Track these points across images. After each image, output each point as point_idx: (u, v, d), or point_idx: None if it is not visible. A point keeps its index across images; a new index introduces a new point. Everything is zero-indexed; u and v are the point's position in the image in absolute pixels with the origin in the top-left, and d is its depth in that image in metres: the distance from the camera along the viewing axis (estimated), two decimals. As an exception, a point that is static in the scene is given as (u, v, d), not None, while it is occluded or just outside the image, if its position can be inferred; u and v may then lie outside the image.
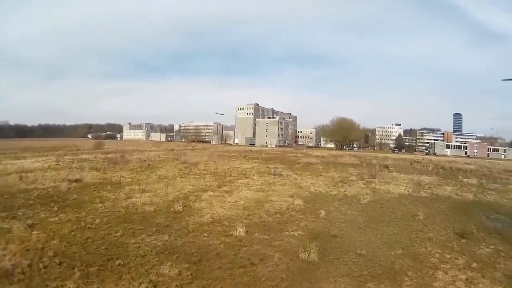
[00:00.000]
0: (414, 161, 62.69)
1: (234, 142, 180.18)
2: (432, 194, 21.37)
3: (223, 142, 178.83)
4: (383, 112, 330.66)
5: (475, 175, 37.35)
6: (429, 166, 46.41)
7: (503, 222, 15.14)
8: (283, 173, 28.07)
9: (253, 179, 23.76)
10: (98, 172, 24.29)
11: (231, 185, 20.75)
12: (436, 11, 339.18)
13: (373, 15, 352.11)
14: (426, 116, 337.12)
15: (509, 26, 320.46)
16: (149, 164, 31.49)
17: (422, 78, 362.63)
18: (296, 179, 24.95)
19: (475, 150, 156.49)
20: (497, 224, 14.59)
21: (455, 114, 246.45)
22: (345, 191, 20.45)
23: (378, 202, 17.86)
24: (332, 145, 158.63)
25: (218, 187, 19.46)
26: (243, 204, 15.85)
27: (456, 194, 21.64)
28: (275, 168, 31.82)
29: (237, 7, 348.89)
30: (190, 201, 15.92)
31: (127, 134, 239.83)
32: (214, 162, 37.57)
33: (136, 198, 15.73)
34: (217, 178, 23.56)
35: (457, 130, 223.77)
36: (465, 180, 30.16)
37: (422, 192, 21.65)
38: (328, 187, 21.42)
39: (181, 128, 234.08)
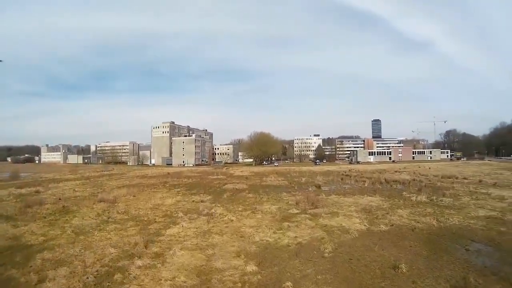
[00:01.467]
0: (343, 174, 62.98)
1: (151, 163, 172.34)
2: (393, 225, 19.31)
3: (139, 163, 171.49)
4: (301, 124, 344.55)
5: (417, 187, 37.49)
6: (364, 182, 45.72)
7: (488, 255, 13.60)
8: (214, 211, 24.46)
9: (182, 226, 20.02)
10: (7, 224, 21.30)
11: (161, 241, 16.88)
12: (354, 22, 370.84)
13: (289, 29, 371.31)
14: (344, 124, 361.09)
15: (427, 35, 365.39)
16: (63, 206, 28.01)
17: (339, 88, 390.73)
18: (232, 220, 21.55)
19: (400, 155, 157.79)
20: (485, 260, 12.88)
21: (374, 120, 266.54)
22: (296, 236, 17.31)
23: (342, 251, 14.84)
24: (250, 160, 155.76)
25: (146, 247, 15.56)
26: (184, 282, 11.49)
27: (417, 221, 19.97)
28: (202, 202, 28.89)
29: (154, 24, 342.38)
30: (117, 282, 11.45)
31: (45, 157, 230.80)
32: (134, 196, 34.04)
33: (49, 281, 11.74)
34: (141, 228, 20.01)
35: (377, 136, 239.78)
36: (412, 198, 28.87)
37: (380, 225, 19.40)
38: (274, 232, 18.23)
39: (98, 149, 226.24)
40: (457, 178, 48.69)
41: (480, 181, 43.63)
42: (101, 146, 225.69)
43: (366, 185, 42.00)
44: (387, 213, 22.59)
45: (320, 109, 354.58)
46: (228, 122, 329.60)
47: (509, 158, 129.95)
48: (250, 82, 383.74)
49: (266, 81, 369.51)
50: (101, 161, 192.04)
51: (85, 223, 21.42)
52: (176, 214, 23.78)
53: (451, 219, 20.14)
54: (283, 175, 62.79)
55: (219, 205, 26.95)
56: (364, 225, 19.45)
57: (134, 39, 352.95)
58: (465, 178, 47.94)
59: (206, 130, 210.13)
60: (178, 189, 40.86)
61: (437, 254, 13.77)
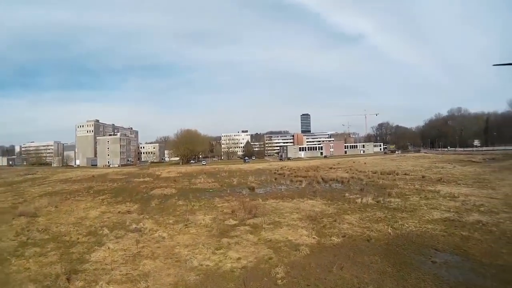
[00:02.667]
0: (275, 172, 61.45)
1: (75, 164, 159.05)
2: (345, 236, 17.60)
3: (64, 165, 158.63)
4: (229, 120, 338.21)
5: (358, 186, 36.91)
6: (300, 182, 43.50)
7: (457, 266, 12.61)
8: (143, 225, 21.83)
9: (109, 248, 17.25)
10: None
11: (85, 271, 14.13)
12: (282, 16, 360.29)
13: (215, 23, 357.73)
14: (273, 119, 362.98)
15: (359, 28, 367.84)
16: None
17: (267, 83, 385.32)
18: (164, 237, 18.83)
19: (332, 150, 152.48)
20: (456, 274, 11.81)
21: (303, 114, 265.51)
22: (239, 258, 14.79)
23: (297, 276, 12.55)
24: (177, 159, 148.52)
25: (69, 281, 13.04)
26: None
27: (370, 229, 18.52)
28: (128, 213, 26.69)
29: (78, 18, 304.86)
30: None
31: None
32: (56, 207, 31.27)
33: None
34: (63, 251, 17.33)
35: (306, 130, 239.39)
36: (358, 200, 27.25)
37: (332, 236, 17.47)
38: (213, 252, 15.66)
39: (22, 149, 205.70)
40: (397, 174, 48.68)
41: (423, 176, 43.68)
42: (25, 147, 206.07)
43: (303, 185, 40.26)
44: (334, 221, 20.99)
45: (248, 105, 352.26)
46: (155, 120, 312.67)
47: (445, 149, 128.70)
48: (176, 78, 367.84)
49: (193, 76, 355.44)
50: (26, 162, 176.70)
51: (2, 246, 18.88)
52: (101, 231, 20.97)
53: (406, 225, 19.15)
54: (212, 175, 60.37)
55: (147, 216, 24.48)
56: (314, 237, 17.53)
57: (58, 34, 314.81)
58: (406, 174, 47.96)
59: (132, 128, 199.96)
60: (103, 197, 37.73)
61: (403, 270, 12.33)
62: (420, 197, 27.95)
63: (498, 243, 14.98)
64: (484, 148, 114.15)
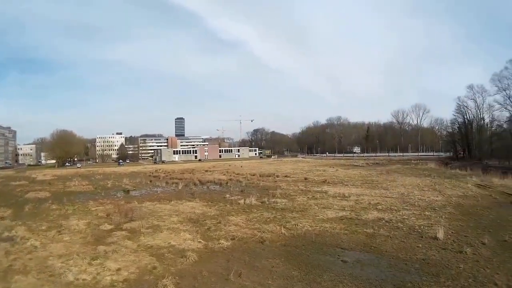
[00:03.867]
0: (150, 175, 58.82)
1: None
2: (234, 239, 15.45)
3: None
4: (104, 122, 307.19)
5: (238, 188, 35.54)
6: (176, 184, 41.05)
7: (374, 264, 11.56)
8: (15, 233, 18.47)
9: None
10: None
11: None
12: (162, 17, 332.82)
13: (101, 19, 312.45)
14: (148, 122, 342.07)
15: (238, 34, 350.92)
16: None
17: (143, 84, 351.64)
18: (36, 247, 15.75)
19: (206, 153, 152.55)
20: (376, 272, 10.73)
21: (177, 118, 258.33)
22: (119, 268, 12.13)
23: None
24: (53, 162, 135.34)
25: None
26: None
27: (261, 231, 16.70)
28: (1, 219, 22.89)
29: None
30: None
31: None
32: None
33: None
34: None
35: (180, 134, 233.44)
36: (240, 201, 25.76)
37: (219, 239, 15.19)
38: (89, 263, 12.88)
39: None
40: (277, 176, 48.27)
41: (306, 178, 43.61)
42: None
43: (180, 187, 37.75)
44: (219, 222, 18.87)
45: (122, 106, 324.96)
46: (34, 119, 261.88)
47: (323, 155, 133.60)
48: (57, 74, 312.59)
49: (73, 74, 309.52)
50: None
51: None
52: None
53: (300, 224, 17.88)
54: (87, 178, 57.41)
55: (20, 222, 21.53)
56: (199, 241, 15.09)
57: None
58: (287, 176, 47.85)
59: (10, 127, 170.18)
60: None
61: (312, 272, 10.72)
62: (308, 197, 27.52)
63: (410, 238, 14.76)
64: (366, 154, 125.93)
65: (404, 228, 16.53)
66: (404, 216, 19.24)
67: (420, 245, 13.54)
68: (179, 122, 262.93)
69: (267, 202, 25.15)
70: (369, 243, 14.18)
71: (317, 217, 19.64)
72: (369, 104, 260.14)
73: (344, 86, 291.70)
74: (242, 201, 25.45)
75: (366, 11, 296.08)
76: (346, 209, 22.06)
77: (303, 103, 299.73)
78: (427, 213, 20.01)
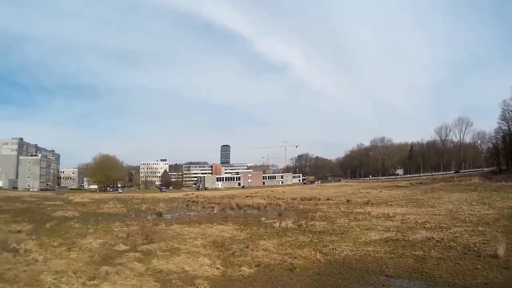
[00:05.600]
0: (189, 200, 58.02)
1: None
2: (259, 265, 13.15)
3: None
4: (149, 149, 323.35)
5: (276, 211, 33.31)
6: (213, 208, 39.66)
7: None
8: (23, 245, 17.82)
9: None
10: None
11: None
12: (210, 44, 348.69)
13: (146, 45, 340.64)
14: (193, 150, 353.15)
15: (282, 59, 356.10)
16: None
17: (190, 112, 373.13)
18: (37, 260, 15.14)
19: (249, 180, 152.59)
20: None
21: (223, 146, 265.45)
22: None
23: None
24: (96, 187, 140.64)
25: None
26: None
27: (293, 256, 14.25)
28: (18, 233, 22.83)
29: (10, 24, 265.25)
30: None
31: None
32: None
33: None
34: None
35: (225, 161, 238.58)
36: (275, 224, 23.82)
37: (242, 265, 13.01)
38: (83, 283, 11.66)
39: None
40: (319, 199, 46.43)
41: (348, 200, 42.01)
42: None
43: (215, 211, 36.21)
44: (246, 247, 16.60)
45: (167, 133, 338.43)
46: (79, 145, 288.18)
47: (366, 179, 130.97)
48: (102, 101, 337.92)
49: (119, 101, 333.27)
50: None
51: None
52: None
53: (339, 249, 15.33)
54: (123, 201, 57.84)
55: (34, 237, 21.03)
56: (217, 267, 13.07)
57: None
58: (328, 199, 45.96)
59: (54, 151, 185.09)
60: (4, 215, 33.64)
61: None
62: (349, 219, 25.11)
63: (467, 259, 12.75)
64: (408, 175, 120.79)
65: (458, 248, 14.63)
66: (456, 234, 17.48)
67: (479, 266, 11.74)
68: (225, 149, 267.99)
69: (304, 225, 22.83)
70: (419, 267, 12.13)
71: (358, 240, 17.24)
72: (412, 122, 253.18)
73: (386, 107, 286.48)
74: (277, 224, 23.31)
75: (407, 30, 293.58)
76: (391, 229, 20.05)
77: (345, 126, 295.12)
78: (480, 228, 18.50)
